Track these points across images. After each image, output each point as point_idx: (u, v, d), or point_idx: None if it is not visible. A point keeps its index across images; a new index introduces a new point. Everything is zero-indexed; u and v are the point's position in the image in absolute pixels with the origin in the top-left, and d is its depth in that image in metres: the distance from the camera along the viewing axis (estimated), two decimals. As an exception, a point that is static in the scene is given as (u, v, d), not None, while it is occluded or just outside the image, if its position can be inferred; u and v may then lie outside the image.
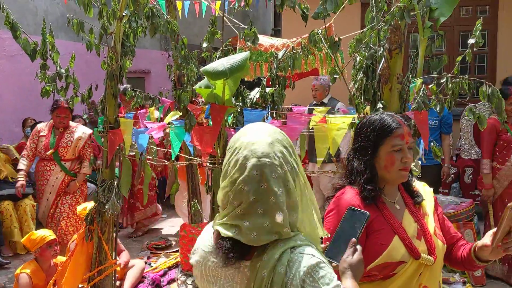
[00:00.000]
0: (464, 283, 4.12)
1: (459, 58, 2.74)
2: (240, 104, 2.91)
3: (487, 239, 1.52)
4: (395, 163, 1.58)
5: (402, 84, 2.58)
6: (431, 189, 1.81)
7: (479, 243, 1.55)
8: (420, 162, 3.03)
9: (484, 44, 6.89)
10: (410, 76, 3.64)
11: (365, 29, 2.65)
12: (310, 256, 1.11)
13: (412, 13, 3.63)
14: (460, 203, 4.44)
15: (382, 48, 2.60)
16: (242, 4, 3.00)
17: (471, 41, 2.70)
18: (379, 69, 2.55)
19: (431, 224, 1.66)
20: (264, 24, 12.44)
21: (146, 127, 3.19)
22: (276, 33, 10.27)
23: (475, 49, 6.96)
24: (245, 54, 2.38)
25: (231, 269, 1.16)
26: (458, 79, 2.53)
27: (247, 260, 1.14)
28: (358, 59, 2.70)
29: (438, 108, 2.60)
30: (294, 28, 5.05)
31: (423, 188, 1.77)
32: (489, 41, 6.84)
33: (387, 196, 1.64)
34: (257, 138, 1.17)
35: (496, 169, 4.20)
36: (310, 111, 3.86)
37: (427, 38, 3.48)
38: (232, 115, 2.83)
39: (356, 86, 2.56)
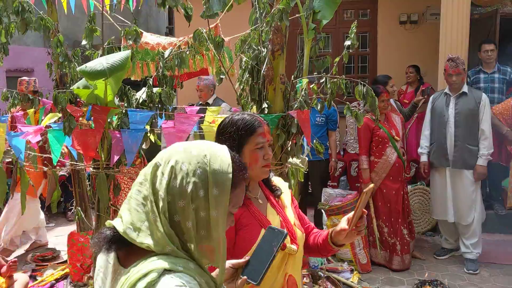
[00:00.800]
0: (352, 271, 4.39)
1: (337, 59, 2.89)
2: (125, 104, 2.81)
3: (344, 223, 1.61)
4: (259, 160, 1.64)
5: (285, 84, 2.66)
6: (287, 184, 1.88)
7: (337, 228, 1.64)
8: (307, 159, 3.15)
9: (366, 45, 7.40)
10: (297, 76, 3.79)
11: (249, 30, 2.69)
12: None
13: (296, 15, 3.78)
14: (346, 195, 4.72)
15: (266, 49, 2.66)
16: (123, 1, 2.88)
17: (347, 43, 2.86)
18: (263, 70, 2.60)
19: (290, 215, 1.74)
20: (158, 22, 12.18)
21: (22, 130, 2.95)
22: (171, 31, 10.11)
23: (359, 50, 7.42)
24: (125, 53, 2.29)
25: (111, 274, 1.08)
26: (335, 79, 2.65)
27: (125, 267, 1.07)
28: (244, 59, 2.73)
29: (319, 107, 2.72)
30: (186, 27, 5.00)
31: (280, 182, 1.86)
32: (370, 42, 7.36)
33: (251, 192, 1.69)
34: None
35: (374, 163, 4.53)
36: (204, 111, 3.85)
37: (311, 39, 3.64)
38: (116, 116, 2.72)
39: (242, 86, 2.59)
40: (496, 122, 4.54)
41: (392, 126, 4.59)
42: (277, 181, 1.85)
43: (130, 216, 1.06)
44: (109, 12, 3.47)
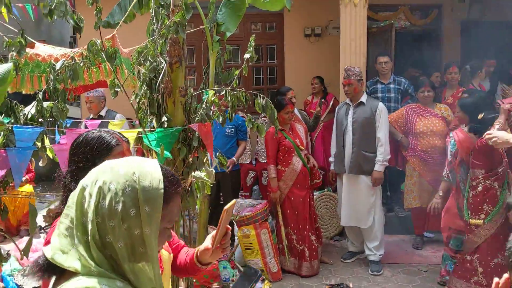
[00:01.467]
0: (263, 280, 4.42)
1: (236, 72, 2.90)
2: (12, 121, 2.59)
3: (208, 242, 1.55)
4: None
5: (185, 97, 2.62)
6: None
7: (201, 247, 1.58)
8: (214, 171, 3.12)
9: (274, 57, 7.58)
10: (203, 87, 3.75)
11: (146, 42, 2.62)
12: None
13: (200, 27, 3.75)
14: (256, 205, 4.75)
15: (164, 61, 2.60)
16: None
17: (246, 55, 2.88)
18: (161, 82, 2.54)
19: None
20: (62, 32, 11.56)
21: None
22: (76, 41, 9.64)
23: (268, 62, 7.53)
24: (7, 65, 2.12)
25: None
26: (235, 92, 2.66)
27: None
28: (142, 71, 2.65)
29: (220, 120, 2.70)
30: (89, 37, 4.78)
31: None
32: (277, 54, 7.54)
33: None
34: None
35: (281, 172, 4.63)
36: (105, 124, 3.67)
37: (216, 51, 3.62)
38: (1, 134, 2.50)
39: (138, 99, 2.51)
40: (392, 130, 4.83)
41: (297, 136, 4.73)
42: None
43: (59, 241, 1.04)
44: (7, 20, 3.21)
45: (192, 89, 3.47)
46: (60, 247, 1.04)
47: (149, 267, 1.06)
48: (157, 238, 1.06)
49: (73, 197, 1.06)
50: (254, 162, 6.82)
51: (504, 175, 3.63)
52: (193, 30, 3.87)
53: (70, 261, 1.02)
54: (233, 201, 1.50)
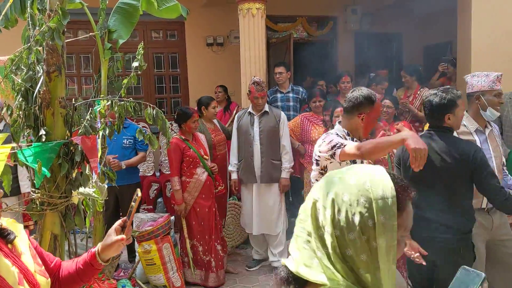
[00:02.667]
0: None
1: (125, 81, 2.77)
2: None
3: (113, 235, 1.62)
4: None
5: (66, 108, 2.44)
6: (21, 224, 1.63)
7: (107, 241, 1.62)
8: (106, 186, 2.94)
9: (177, 65, 7.46)
10: (95, 97, 3.55)
11: (21, 49, 2.40)
12: None
13: (90, 34, 3.55)
14: (157, 218, 4.59)
15: (42, 70, 2.41)
16: None
17: (134, 64, 2.76)
18: (38, 93, 2.34)
19: (29, 262, 1.51)
20: None
21: None
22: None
23: (170, 70, 7.38)
24: None
25: None
26: (123, 102, 2.53)
27: None
28: (16, 81, 2.43)
29: (107, 132, 2.56)
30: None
31: (13, 224, 1.59)
32: (180, 63, 7.43)
33: None
34: None
35: (186, 183, 4.52)
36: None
37: (107, 59, 3.45)
38: None
39: (9, 111, 2.29)
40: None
41: (200, 146, 4.67)
42: (9, 223, 1.56)
43: (300, 255, 1.05)
44: None
45: (81, 98, 3.27)
46: (302, 260, 1.04)
47: (389, 279, 1.03)
48: (395, 249, 1.02)
49: (306, 210, 1.07)
50: (157, 174, 6.64)
51: None
52: (83, 37, 3.68)
53: (316, 275, 1.02)
54: (139, 193, 1.67)
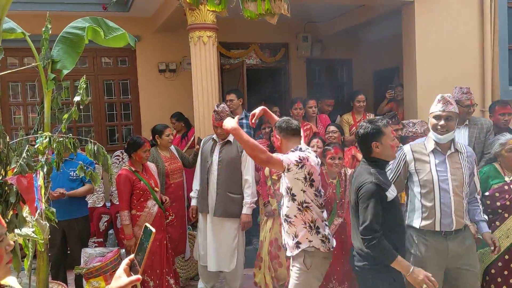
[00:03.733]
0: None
1: (66, 116, 2.66)
2: None
3: (123, 278, 1.49)
4: None
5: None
6: None
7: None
8: (47, 224, 2.78)
9: (128, 92, 7.32)
10: (37, 130, 3.39)
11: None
12: None
13: (33, 64, 3.42)
14: (106, 253, 4.41)
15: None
16: None
17: (76, 98, 2.66)
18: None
19: None
20: None
21: None
22: None
23: (121, 97, 7.23)
24: None
25: None
26: (62, 138, 2.42)
27: None
28: None
29: (45, 170, 2.43)
30: None
31: None
32: (131, 89, 7.30)
33: None
34: None
35: (136, 217, 4.31)
36: None
37: (51, 90, 3.31)
38: None
39: None
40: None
41: (151, 177, 4.49)
42: None
43: None
44: None
45: (23, 131, 3.12)
46: None
47: None
48: None
49: None
50: (108, 204, 6.41)
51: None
52: (26, 67, 3.54)
53: None
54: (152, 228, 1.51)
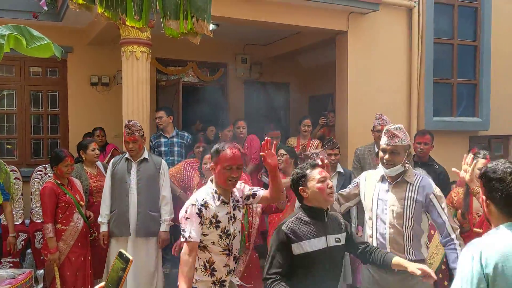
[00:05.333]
0: None
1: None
2: None
3: None
4: None
5: None
6: None
7: None
8: None
9: (56, 104, 7.00)
10: None
11: None
12: None
13: None
14: (18, 275, 4.11)
15: None
16: None
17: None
18: None
19: None
20: None
21: None
22: None
23: (49, 109, 6.88)
24: None
25: None
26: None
27: None
28: None
29: None
30: None
31: None
32: (60, 102, 6.99)
33: None
34: None
35: (61, 231, 4.16)
36: None
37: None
38: None
39: None
40: (171, 185, 4.75)
41: (76, 191, 4.37)
42: None
43: None
44: None
45: None
46: None
47: None
48: None
49: None
50: (27, 222, 6.03)
51: None
52: None
53: None
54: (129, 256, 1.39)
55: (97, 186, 4.80)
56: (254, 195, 2.92)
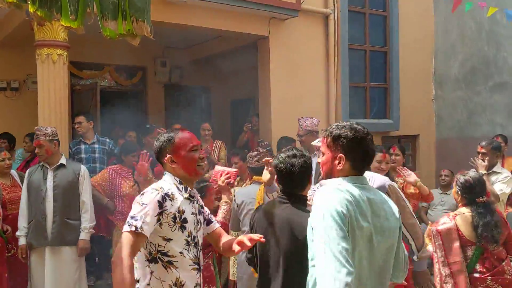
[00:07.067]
0: None
1: None
2: None
3: None
4: None
5: None
6: None
7: None
8: None
9: None
10: None
11: None
12: None
13: None
14: None
15: None
16: None
17: None
18: None
19: None
20: None
21: None
22: None
23: None
24: None
25: None
26: None
27: None
28: None
29: None
30: None
31: None
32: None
33: None
34: None
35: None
36: None
37: None
38: None
39: None
40: (96, 194, 4.54)
41: None
42: None
43: None
44: None
45: None
46: None
47: None
48: None
49: None
50: None
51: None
52: None
53: None
54: None
55: (11, 198, 4.47)
56: (209, 222, 2.51)
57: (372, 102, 7.43)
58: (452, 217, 3.38)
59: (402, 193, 3.13)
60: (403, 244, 2.09)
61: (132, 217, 2.08)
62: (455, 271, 3.26)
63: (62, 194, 4.14)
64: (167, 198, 2.17)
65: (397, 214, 2.00)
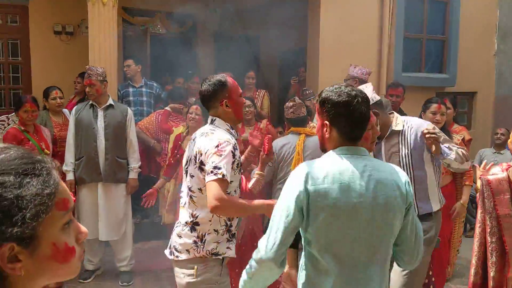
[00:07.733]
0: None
1: None
2: None
3: None
4: None
5: None
6: None
7: None
8: None
9: (18, 53, 6.69)
10: None
11: None
12: None
13: None
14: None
15: None
16: None
17: None
18: None
19: None
20: None
21: None
22: None
23: (10, 58, 6.61)
24: None
25: None
26: None
27: None
28: None
29: None
30: None
31: None
32: (22, 51, 6.68)
33: None
34: None
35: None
36: None
37: None
38: None
39: None
40: (143, 136, 4.69)
41: (42, 139, 4.29)
42: None
43: None
44: None
45: None
46: None
47: None
48: None
49: None
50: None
51: None
52: None
53: None
54: None
55: (62, 136, 4.68)
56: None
57: (428, 56, 7.06)
58: (505, 168, 3.21)
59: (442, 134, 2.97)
60: (419, 226, 1.85)
61: (215, 167, 2.16)
62: (505, 225, 3.12)
63: (113, 134, 4.27)
64: (236, 148, 2.29)
65: (404, 188, 1.76)
